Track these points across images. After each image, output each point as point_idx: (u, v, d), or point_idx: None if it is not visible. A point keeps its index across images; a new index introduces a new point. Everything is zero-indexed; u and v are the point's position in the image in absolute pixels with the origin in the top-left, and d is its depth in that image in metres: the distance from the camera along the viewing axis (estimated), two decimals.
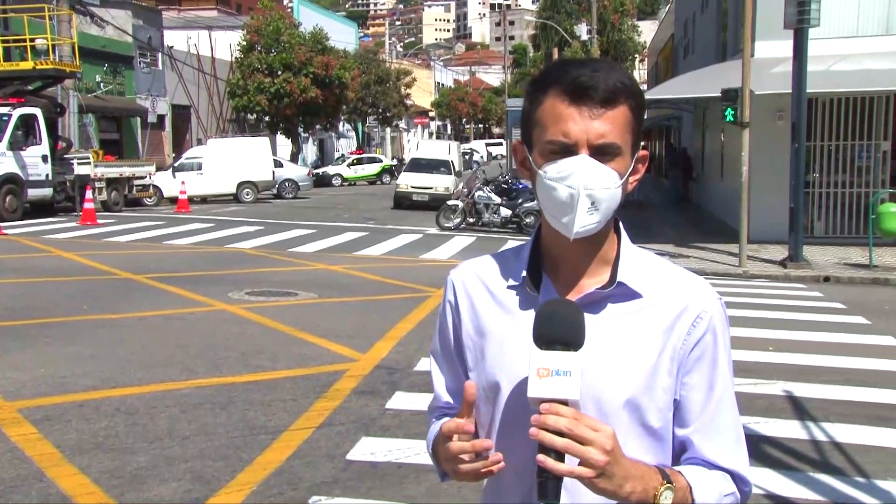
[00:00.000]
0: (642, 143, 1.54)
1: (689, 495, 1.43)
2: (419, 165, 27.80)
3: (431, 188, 26.28)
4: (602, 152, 1.41)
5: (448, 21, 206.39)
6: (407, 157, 29.64)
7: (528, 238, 1.62)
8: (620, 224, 1.57)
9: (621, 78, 1.43)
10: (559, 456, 1.28)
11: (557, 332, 1.34)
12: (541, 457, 1.28)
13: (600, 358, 1.44)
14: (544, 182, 1.45)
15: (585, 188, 1.40)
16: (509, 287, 1.57)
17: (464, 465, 1.41)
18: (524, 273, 1.55)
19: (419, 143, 31.32)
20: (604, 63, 1.47)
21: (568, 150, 1.42)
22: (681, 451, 1.53)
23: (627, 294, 1.50)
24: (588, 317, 1.41)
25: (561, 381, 1.30)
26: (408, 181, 26.95)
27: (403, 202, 26.45)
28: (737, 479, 1.51)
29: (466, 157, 57.35)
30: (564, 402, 1.30)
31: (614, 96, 1.41)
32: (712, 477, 1.48)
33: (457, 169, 28.21)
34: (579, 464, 1.28)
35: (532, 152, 1.49)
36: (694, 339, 1.49)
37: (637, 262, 1.54)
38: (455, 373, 1.66)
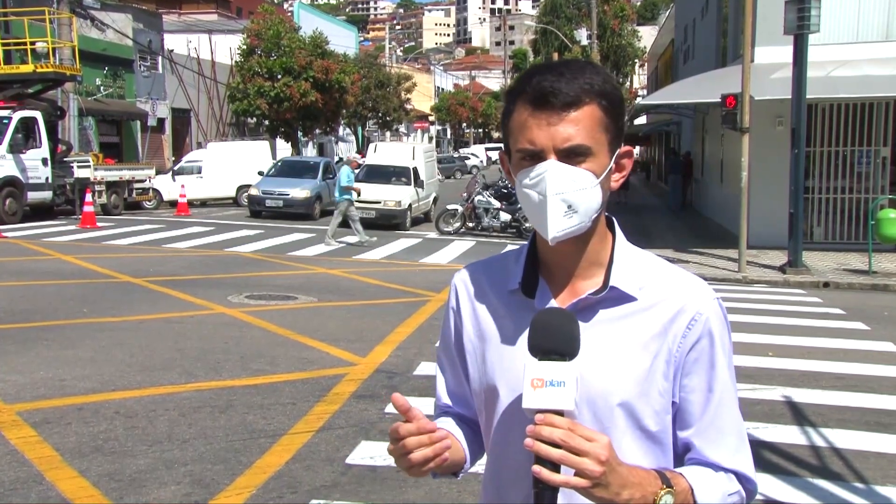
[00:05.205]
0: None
1: (690, 497, 1.43)
2: (373, 173, 23.14)
3: (379, 202, 21.64)
4: (571, 155, 1.42)
5: (448, 26, 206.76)
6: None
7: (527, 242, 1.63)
8: (615, 223, 1.57)
9: (588, 79, 1.43)
10: (555, 466, 1.27)
11: (552, 342, 1.34)
12: (536, 468, 1.28)
13: (594, 362, 1.45)
14: (521, 189, 1.47)
15: (557, 192, 1.41)
16: (508, 292, 1.58)
17: (416, 454, 1.42)
18: (520, 279, 1.55)
19: (376, 146, 26.14)
20: (573, 65, 1.47)
21: (537, 156, 1.43)
22: (684, 452, 1.53)
23: (620, 298, 1.50)
24: (581, 322, 1.41)
25: (555, 392, 1.30)
26: None
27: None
28: (741, 478, 1.51)
29: (460, 161, 57.15)
30: (560, 413, 1.29)
31: (578, 98, 1.42)
32: (716, 477, 1.48)
33: (421, 178, 23.72)
34: (575, 474, 1.28)
35: (510, 161, 1.51)
36: (690, 341, 1.49)
37: (632, 262, 1.54)
38: (457, 375, 1.69)
